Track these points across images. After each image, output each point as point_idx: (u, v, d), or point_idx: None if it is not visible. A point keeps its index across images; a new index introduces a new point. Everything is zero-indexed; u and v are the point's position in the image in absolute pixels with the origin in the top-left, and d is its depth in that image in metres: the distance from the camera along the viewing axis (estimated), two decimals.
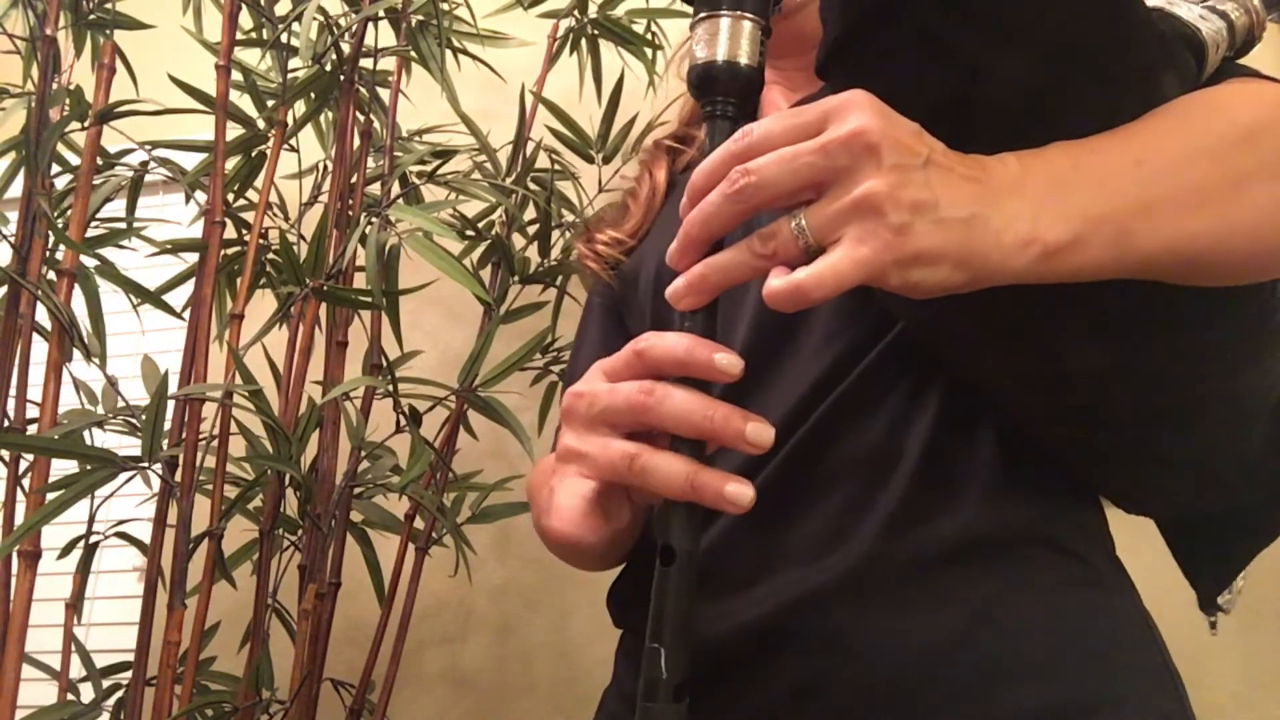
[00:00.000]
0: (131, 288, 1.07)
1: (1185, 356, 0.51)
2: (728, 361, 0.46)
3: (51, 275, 1.07)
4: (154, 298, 1.09)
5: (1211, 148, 0.46)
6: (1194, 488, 0.58)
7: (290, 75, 1.19)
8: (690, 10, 0.50)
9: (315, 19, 1.09)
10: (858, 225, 0.42)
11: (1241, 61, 0.55)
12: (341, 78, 1.18)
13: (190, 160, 1.23)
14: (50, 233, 1.07)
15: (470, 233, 1.31)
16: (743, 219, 0.45)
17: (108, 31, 1.16)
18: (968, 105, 0.47)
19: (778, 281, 0.43)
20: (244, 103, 1.25)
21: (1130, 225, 0.44)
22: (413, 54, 1.19)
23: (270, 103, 1.22)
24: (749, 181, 0.44)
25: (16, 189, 1.14)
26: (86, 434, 1.06)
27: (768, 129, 0.44)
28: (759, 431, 0.45)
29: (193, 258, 1.14)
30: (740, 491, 0.45)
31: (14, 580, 0.98)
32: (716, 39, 0.48)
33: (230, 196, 1.25)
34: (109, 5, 1.18)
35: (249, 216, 1.24)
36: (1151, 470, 0.57)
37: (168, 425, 1.04)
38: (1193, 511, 0.62)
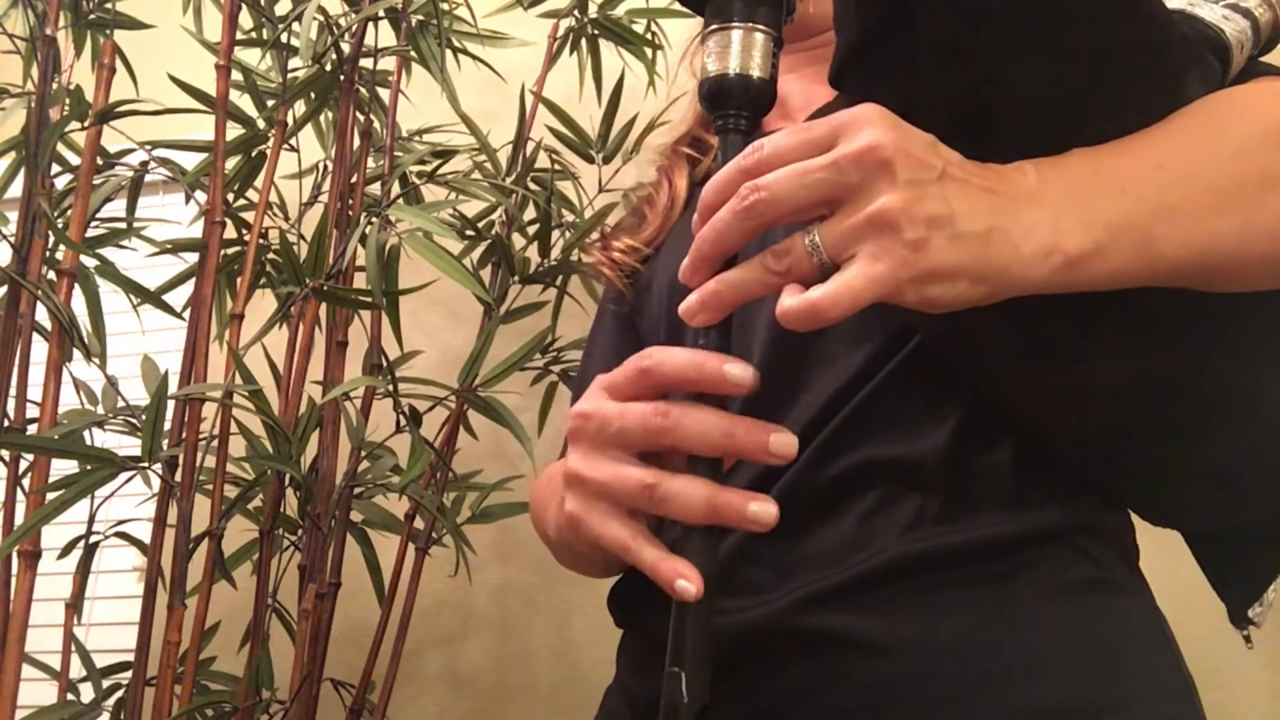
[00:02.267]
0: (131, 288, 1.07)
1: (1210, 364, 0.51)
2: (739, 372, 0.44)
3: (51, 275, 1.07)
4: (154, 298, 1.09)
5: (1235, 148, 0.45)
6: (1221, 500, 0.57)
7: (290, 75, 1.19)
8: (690, 13, 0.50)
9: (315, 19, 1.09)
10: (873, 242, 0.41)
11: (1268, 59, 0.54)
12: (341, 78, 1.18)
13: (190, 160, 1.23)
14: (50, 233, 1.07)
15: (470, 233, 1.31)
16: (754, 235, 0.45)
17: (108, 31, 1.16)
18: (986, 112, 0.46)
19: (791, 300, 0.42)
20: (244, 103, 1.25)
21: (1153, 230, 0.43)
22: (413, 54, 1.19)
23: (270, 103, 1.22)
24: (759, 198, 0.43)
25: (16, 189, 1.14)
26: (86, 434, 1.06)
27: (778, 144, 0.44)
28: (782, 443, 0.44)
29: (193, 258, 1.14)
30: (764, 510, 0.44)
31: (14, 580, 0.98)
32: (728, 51, 0.48)
33: (230, 196, 1.25)
34: (109, 5, 1.18)
35: (249, 216, 1.24)
36: (1177, 482, 0.56)
37: (168, 425, 1.04)
38: (1220, 524, 0.61)
